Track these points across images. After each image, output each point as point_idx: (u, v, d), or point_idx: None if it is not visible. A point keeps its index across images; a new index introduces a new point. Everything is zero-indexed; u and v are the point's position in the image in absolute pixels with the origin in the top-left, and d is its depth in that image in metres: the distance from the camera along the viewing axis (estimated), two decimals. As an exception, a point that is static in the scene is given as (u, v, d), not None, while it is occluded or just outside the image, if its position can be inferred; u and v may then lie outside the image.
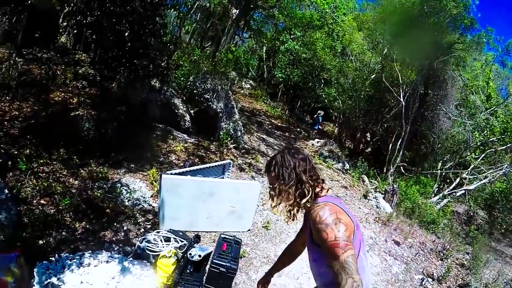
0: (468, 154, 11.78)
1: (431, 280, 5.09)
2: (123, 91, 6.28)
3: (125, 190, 4.38)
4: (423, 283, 4.93)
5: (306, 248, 1.80)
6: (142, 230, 3.86)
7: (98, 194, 4.07)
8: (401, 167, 12.33)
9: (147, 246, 2.91)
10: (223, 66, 9.49)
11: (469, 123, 11.73)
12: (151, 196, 4.53)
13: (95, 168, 4.52)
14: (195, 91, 7.69)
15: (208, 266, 2.93)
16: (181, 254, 2.85)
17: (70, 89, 5.71)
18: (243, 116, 10.84)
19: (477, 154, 11.92)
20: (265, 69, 20.93)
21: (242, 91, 17.23)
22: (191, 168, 4.28)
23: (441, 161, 12.83)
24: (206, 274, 2.92)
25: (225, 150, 7.24)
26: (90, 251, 2.78)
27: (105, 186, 4.30)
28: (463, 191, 11.40)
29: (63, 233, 3.31)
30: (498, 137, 11.54)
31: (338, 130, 17.00)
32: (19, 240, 2.89)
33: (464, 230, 9.64)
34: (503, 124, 11.72)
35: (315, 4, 15.21)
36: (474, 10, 10.99)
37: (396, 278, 4.89)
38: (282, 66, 17.01)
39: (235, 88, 15.66)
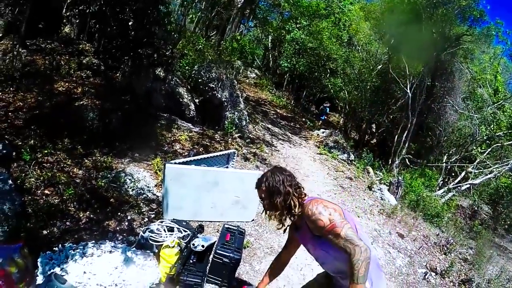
0: (474, 148, 11.69)
1: (434, 274, 5.08)
2: (127, 80, 6.24)
3: (129, 179, 4.38)
4: (426, 277, 4.93)
5: (311, 251, 2.00)
6: (146, 219, 3.87)
7: (102, 184, 4.07)
8: (406, 159, 12.27)
9: (150, 236, 2.90)
10: (228, 55, 9.39)
11: (476, 117, 11.60)
12: (155, 186, 4.53)
13: (99, 157, 4.51)
14: (199, 80, 7.63)
15: (211, 256, 2.94)
16: (184, 244, 2.84)
17: (74, 79, 5.67)
18: (248, 106, 10.80)
19: (483, 148, 11.84)
20: (271, 59, 20.74)
21: (247, 81, 17.15)
22: (196, 158, 4.24)
23: (446, 154, 12.76)
24: (209, 265, 2.92)
25: (229, 139, 7.23)
26: (93, 241, 2.79)
27: (109, 175, 4.29)
28: (468, 185, 11.30)
29: (67, 223, 3.32)
30: (505, 132, 11.44)
31: (344, 121, 16.92)
32: (23, 230, 2.90)
33: (468, 225, 9.60)
34: (510, 119, 11.61)
35: (321, -8, 14.96)
36: (483, 2, 10.79)
37: (400, 271, 4.89)
38: (287, 55, 16.78)
39: (240, 77, 15.58)
